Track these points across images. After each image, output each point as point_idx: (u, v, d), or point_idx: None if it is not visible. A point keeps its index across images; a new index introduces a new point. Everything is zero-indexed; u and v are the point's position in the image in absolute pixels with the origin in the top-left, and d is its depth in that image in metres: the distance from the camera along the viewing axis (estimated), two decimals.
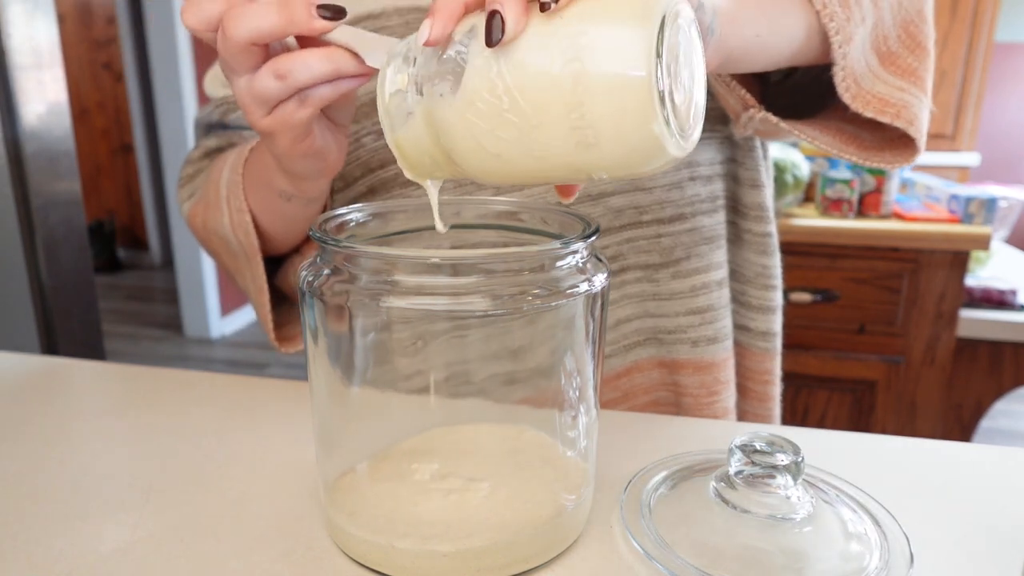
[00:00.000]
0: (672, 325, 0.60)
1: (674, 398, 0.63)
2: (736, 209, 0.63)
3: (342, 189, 0.62)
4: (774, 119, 0.50)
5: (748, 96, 0.51)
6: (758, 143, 0.63)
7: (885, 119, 0.48)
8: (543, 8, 0.30)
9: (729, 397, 0.63)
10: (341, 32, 0.40)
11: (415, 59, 0.35)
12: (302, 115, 0.42)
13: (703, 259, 0.60)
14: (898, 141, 0.52)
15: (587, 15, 0.30)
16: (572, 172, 0.33)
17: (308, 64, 0.40)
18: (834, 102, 0.54)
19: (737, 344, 0.66)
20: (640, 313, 0.60)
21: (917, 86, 0.50)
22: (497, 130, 0.32)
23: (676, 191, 0.58)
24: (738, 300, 0.65)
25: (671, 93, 0.30)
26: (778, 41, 0.44)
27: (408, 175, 0.38)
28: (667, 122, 0.30)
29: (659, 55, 0.29)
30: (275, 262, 0.64)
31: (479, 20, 0.32)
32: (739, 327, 0.65)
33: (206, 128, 0.66)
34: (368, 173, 0.60)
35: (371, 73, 0.41)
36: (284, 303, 0.65)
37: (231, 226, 0.57)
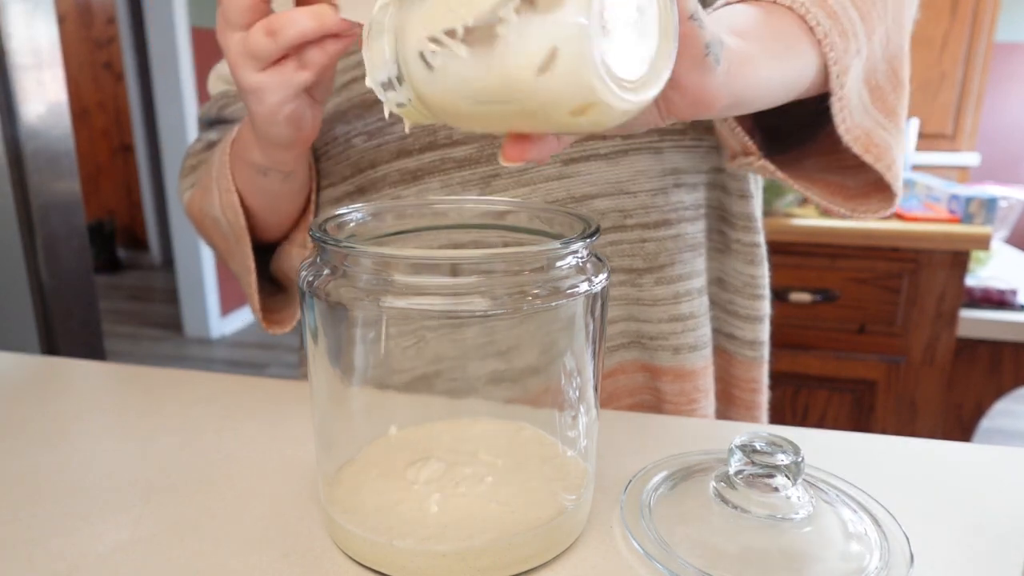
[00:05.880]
0: (655, 331, 0.60)
1: (655, 403, 0.63)
2: (724, 219, 0.63)
3: (328, 187, 0.63)
4: (771, 167, 0.52)
5: (750, 143, 0.51)
6: None
7: (868, 159, 0.49)
8: None
9: (708, 405, 0.63)
10: None
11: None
12: (302, 77, 0.45)
13: (686, 266, 0.60)
14: (880, 183, 0.53)
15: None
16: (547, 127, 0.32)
17: (295, 21, 0.42)
18: (812, 139, 0.55)
19: (724, 352, 0.66)
20: (624, 316, 0.60)
21: (894, 123, 0.51)
22: (472, 105, 0.31)
23: (661, 196, 0.58)
24: (726, 309, 0.65)
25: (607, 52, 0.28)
26: (786, 83, 0.43)
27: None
28: (608, 83, 0.29)
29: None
30: (270, 252, 0.65)
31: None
32: (726, 336, 0.65)
33: (208, 123, 0.68)
34: (357, 173, 0.60)
35: (354, 34, 0.43)
36: (277, 290, 0.67)
37: (220, 206, 0.59)
